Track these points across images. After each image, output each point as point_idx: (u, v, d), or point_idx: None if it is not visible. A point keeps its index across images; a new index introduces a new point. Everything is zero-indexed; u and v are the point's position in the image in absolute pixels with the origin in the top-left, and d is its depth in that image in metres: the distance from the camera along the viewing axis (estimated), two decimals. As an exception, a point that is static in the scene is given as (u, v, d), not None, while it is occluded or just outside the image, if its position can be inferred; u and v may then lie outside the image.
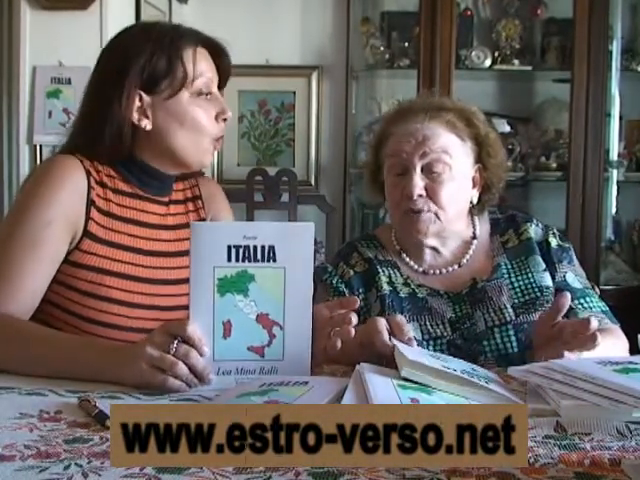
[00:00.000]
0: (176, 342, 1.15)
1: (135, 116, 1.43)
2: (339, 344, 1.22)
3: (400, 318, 1.31)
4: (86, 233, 1.40)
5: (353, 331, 1.22)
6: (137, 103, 1.42)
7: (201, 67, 1.45)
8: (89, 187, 1.41)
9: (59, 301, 1.40)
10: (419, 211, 1.56)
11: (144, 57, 1.42)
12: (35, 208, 1.37)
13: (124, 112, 1.41)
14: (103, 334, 1.38)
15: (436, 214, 1.57)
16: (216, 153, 4.07)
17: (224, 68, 1.51)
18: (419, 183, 1.55)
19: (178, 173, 1.53)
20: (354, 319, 1.23)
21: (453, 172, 1.56)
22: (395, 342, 1.22)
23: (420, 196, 1.55)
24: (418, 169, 1.56)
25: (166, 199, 1.54)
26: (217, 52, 1.50)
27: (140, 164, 1.47)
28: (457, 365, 1.18)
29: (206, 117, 1.45)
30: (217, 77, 1.49)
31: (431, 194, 1.56)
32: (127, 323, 1.41)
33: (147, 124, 1.44)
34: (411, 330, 1.28)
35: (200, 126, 1.45)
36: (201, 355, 1.15)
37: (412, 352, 1.17)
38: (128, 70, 1.42)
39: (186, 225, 1.53)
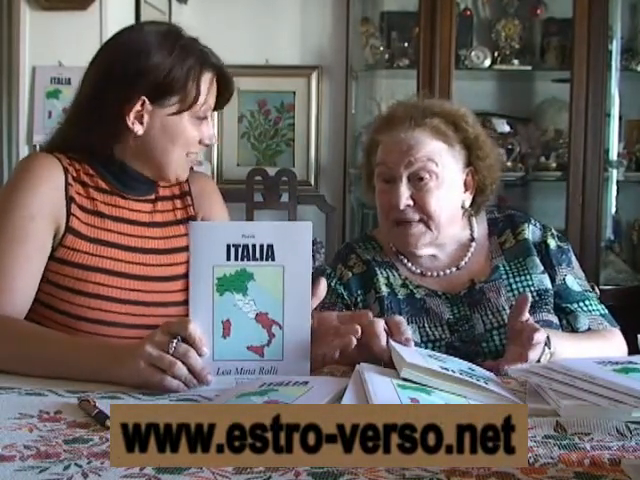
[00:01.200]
0: (175, 341, 1.15)
1: (131, 118, 1.41)
2: (337, 355, 1.23)
3: (399, 318, 1.30)
4: (68, 229, 1.40)
5: (355, 341, 1.22)
6: (138, 107, 1.41)
7: (206, 92, 1.45)
8: (67, 184, 1.42)
9: (47, 300, 1.40)
10: (408, 221, 1.56)
11: (163, 67, 1.40)
12: (17, 204, 1.38)
13: (122, 112, 1.40)
14: (94, 331, 1.38)
15: (426, 224, 1.56)
16: (216, 153, 4.03)
17: (226, 96, 1.51)
18: (405, 193, 1.55)
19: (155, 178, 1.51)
20: (359, 331, 1.23)
21: (440, 179, 1.55)
22: (392, 343, 1.22)
23: (408, 206, 1.55)
24: (404, 179, 1.55)
25: (151, 197, 1.53)
26: (225, 81, 1.49)
27: (120, 165, 1.46)
28: (455, 365, 1.18)
29: (196, 139, 1.46)
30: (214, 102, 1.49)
31: (419, 203, 1.55)
32: (117, 319, 1.40)
33: (140, 129, 1.42)
34: (409, 330, 1.28)
35: (187, 145, 1.45)
36: (200, 355, 1.15)
37: (409, 353, 1.17)
38: (143, 74, 1.40)
39: (174, 222, 1.53)
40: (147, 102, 1.41)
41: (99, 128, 1.42)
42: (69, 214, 1.41)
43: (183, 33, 1.48)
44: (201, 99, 1.43)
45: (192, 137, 1.45)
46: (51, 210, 1.39)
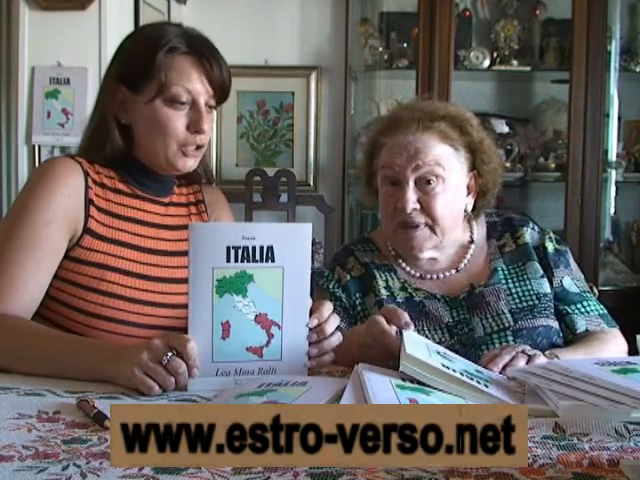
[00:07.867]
0: (170, 354, 1.15)
1: (116, 108, 1.45)
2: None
3: (392, 306, 1.33)
4: (86, 230, 1.41)
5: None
6: (120, 97, 1.44)
7: (180, 75, 1.42)
8: (87, 187, 1.43)
9: (61, 297, 1.41)
10: (415, 226, 1.55)
11: (133, 53, 1.45)
12: (34, 209, 1.39)
13: (107, 104, 1.45)
14: (107, 328, 1.39)
15: (431, 227, 1.56)
16: (214, 154, 4.03)
17: (216, 78, 1.45)
18: (412, 196, 1.54)
19: (172, 175, 1.53)
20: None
21: (446, 183, 1.55)
22: (404, 334, 1.22)
23: (414, 209, 1.54)
24: (411, 182, 1.54)
25: (166, 199, 1.54)
26: (209, 61, 1.44)
27: (137, 164, 1.49)
28: (460, 366, 1.17)
29: (176, 124, 1.43)
30: (208, 89, 1.45)
31: (425, 207, 1.55)
32: (130, 318, 1.41)
33: (124, 118, 1.46)
34: (405, 314, 1.29)
35: (172, 133, 1.43)
36: (190, 376, 1.16)
37: (415, 345, 1.17)
38: (117, 63, 1.46)
39: (187, 226, 1.53)
40: (126, 89, 1.44)
41: (100, 133, 1.45)
42: (87, 216, 1.42)
43: (159, 26, 1.52)
44: (162, 78, 1.41)
45: (174, 124, 1.43)
46: (67, 215, 1.40)
